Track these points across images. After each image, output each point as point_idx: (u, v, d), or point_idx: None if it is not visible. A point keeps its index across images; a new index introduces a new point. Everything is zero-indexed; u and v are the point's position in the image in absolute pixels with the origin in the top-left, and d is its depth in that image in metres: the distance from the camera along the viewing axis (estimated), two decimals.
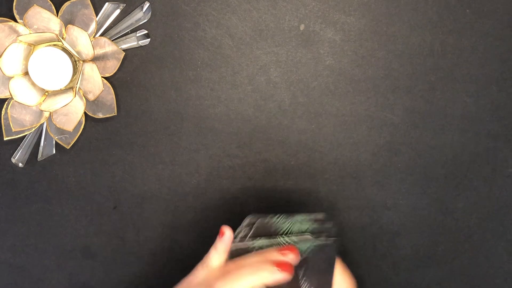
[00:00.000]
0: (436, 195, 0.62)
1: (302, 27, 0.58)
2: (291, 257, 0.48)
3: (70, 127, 0.57)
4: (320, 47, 0.58)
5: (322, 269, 0.49)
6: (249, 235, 0.51)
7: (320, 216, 0.53)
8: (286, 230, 0.51)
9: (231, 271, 0.47)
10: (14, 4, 0.54)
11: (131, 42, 0.57)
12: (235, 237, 0.52)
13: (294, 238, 0.50)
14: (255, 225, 0.51)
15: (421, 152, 0.61)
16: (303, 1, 0.57)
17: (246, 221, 0.52)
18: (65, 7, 0.55)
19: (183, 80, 0.58)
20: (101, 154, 0.60)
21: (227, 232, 0.51)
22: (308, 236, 0.50)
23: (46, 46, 0.54)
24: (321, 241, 0.50)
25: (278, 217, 0.52)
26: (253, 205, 0.61)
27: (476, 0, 0.58)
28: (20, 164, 0.59)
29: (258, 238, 0.50)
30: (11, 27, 0.55)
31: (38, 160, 0.59)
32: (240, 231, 0.52)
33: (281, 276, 0.47)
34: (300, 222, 0.52)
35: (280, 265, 0.47)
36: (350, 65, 0.59)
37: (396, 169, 0.61)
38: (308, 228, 0.52)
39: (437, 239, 0.63)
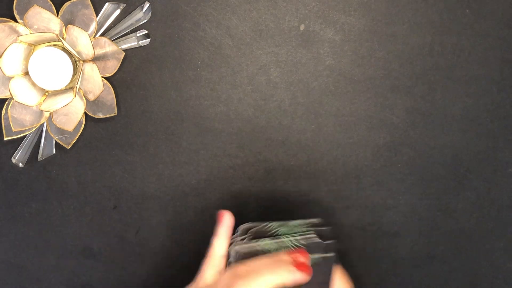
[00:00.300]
0: (436, 195, 0.62)
1: (302, 27, 0.58)
2: (304, 260, 0.47)
3: (70, 127, 0.57)
4: (320, 47, 0.58)
5: (322, 282, 0.49)
6: (246, 239, 0.51)
7: (316, 221, 0.53)
8: (285, 234, 0.51)
9: (245, 272, 0.45)
10: (14, 4, 0.54)
11: (131, 42, 0.57)
12: (231, 243, 0.51)
13: (300, 240, 0.50)
14: (252, 231, 0.51)
15: (421, 152, 0.61)
16: (303, 1, 0.57)
17: (241, 228, 0.52)
18: (65, 7, 0.55)
19: (183, 80, 0.58)
20: (101, 154, 0.60)
21: (226, 216, 0.50)
22: (315, 239, 0.50)
23: (46, 46, 0.54)
24: (323, 253, 0.49)
25: (273, 224, 0.51)
26: (253, 205, 0.61)
27: (476, 0, 0.58)
28: (20, 164, 0.59)
29: (261, 239, 0.50)
30: (11, 27, 0.55)
31: (38, 160, 0.59)
32: (237, 237, 0.52)
33: (300, 276, 0.45)
34: (296, 227, 0.52)
35: (299, 265, 0.45)
36: (350, 65, 0.59)
37: (396, 169, 0.61)
38: (304, 232, 0.51)
39: (437, 239, 0.63)
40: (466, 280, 0.64)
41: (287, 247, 0.49)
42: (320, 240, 0.49)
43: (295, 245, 0.49)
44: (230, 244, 0.51)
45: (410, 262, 0.64)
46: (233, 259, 0.49)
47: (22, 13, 0.54)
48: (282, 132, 0.60)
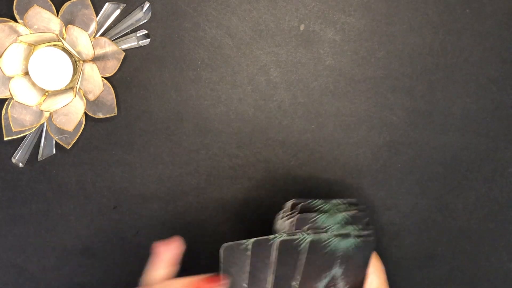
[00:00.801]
0: (436, 195, 0.62)
1: (302, 27, 0.58)
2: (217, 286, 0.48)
3: (70, 127, 0.57)
4: (320, 47, 0.58)
5: (359, 267, 0.51)
6: (296, 213, 0.52)
7: (353, 200, 0.55)
8: (326, 210, 0.53)
9: None
10: (14, 4, 0.54)
11: (131, 42, 0.57)
12: (280, 218, 0.53)
13: (349, 215, 0.52)
14: (298, 206, 0.53)
15: (421, 152, 0.61)
16: (303, 1, 0.57)
17: (288, 204, 0.54)
18: (65, 7, 0.55)
19: (183, 80, 0.58)
20: (101, 154, 0.60)
21: (175, 244, 0.51)
22: (359, 214, 0.52)
23: (46, 46, 0.54)
24: (361, 239, 0.51)
25: (317, 201, 0.53)
26: (253, 205, 0.61)
27: (476, 0, 0.58)
28: (20, 164, 0.59)
29: (306, 231, 0.51)
30: (11, 27, 0.55)
31: (38, 160, 0.59)
32: (285, 211, 0.54)
33: None
34: (339, 205, 0.54)
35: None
36: (350, 65, 0.59)
37: (396, 169, 0.61)
38: (344, 208, 0.53)
39: (437, 239, 0.63)
40: (466, 280, 0.64)
41: (340, 221, 0.51)
42: (364, 215, 0.52)
43: (346, 218, 0.52)
44: (279, 219, 0.53)
45: (410, 262, 0.64)
46: (289, 228, 0.51)
47: (22, 13, 0.54)
48: (282, 132, 0.60)
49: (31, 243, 0.62)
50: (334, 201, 0.54)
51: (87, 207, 0.61)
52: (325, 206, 0.53)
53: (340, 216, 0.51)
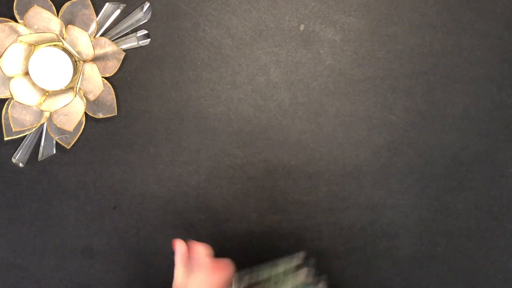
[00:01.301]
0: (436, 195, 0.62)
1: (302, 27, 0.58)
2: None
3: (70, 127, 0.57)
4: (320, 47, 0.58)
5: None
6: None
7: (300, 255, 0.54)
8: (275, 279, 0.52)
9: None
10: (14, 4, 0.54)
11: (132, 42, 0.57)
12: None
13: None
14: (244, 280, 0.52)
15: (421, 152, 0.61)
16: (303, 1, 0.57)
17: (234, 278, 0.53)
18: (65, 7, 0.55)
19: (183, 80, 0.58)
20: (101, 154, 0.60)
21: (178, 244, 0.52)
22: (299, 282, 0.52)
23: (46, 46, 0.54)
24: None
25: (262, 269, 0.53)
26: (253, 205, 0.61)
27: (476, 0, 0.58)
28: (21, 164, 0.59)
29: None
30: (11, 27, 0.55)
31: (39, 160, 0.59)
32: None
33: None
34: (285, 267, 0.53)
35: None
36: (350, 65, 0.59)
37: (396, 169, 0.61)
38: (292, 271, 0.53)
39: (437, 239, 0.63)
40: (466, 280, 0.64)
41: None
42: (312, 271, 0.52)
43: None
44: None
45: (410, 262, 0.64)
46: None
47: (22, 13, 0.54)
48: (282, 132, 0.60)
49: (31, 243, 0.62)
50: (281, 266, 0.53)
51: (87, 207, 0.61)
52: (273, 274, 0.52)
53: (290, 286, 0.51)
